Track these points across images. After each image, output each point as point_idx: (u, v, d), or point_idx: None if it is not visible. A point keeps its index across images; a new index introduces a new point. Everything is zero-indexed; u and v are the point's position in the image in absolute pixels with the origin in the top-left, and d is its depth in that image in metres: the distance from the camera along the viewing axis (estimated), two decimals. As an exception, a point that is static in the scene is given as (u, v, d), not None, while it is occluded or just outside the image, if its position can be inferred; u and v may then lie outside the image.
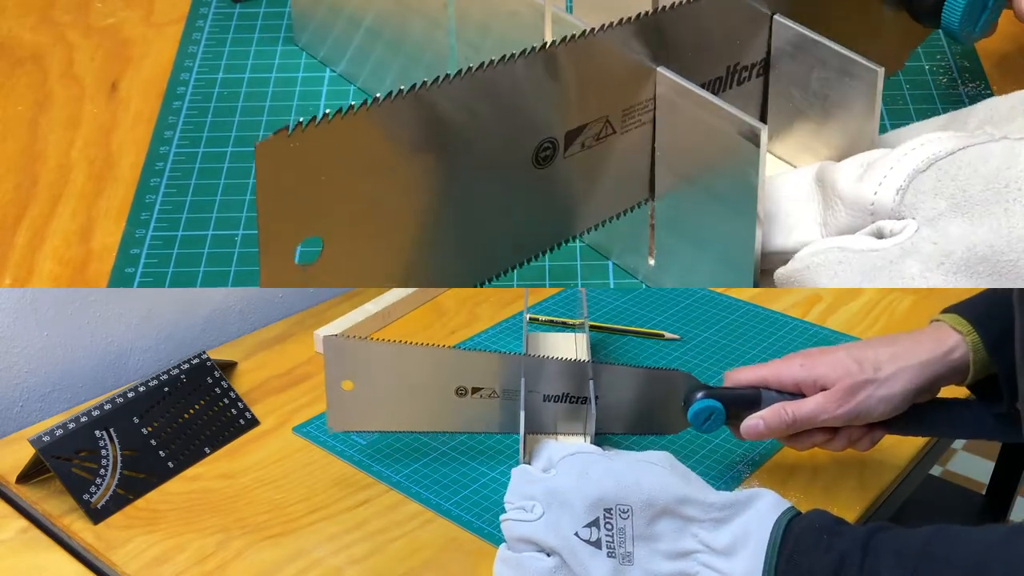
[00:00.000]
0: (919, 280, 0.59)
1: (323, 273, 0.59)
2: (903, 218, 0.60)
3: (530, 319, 0.98)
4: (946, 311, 0.70)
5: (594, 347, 0.93)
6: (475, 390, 0.74)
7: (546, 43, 0.62)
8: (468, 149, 0.62)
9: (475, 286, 0.66)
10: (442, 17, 0.77)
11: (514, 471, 0.65)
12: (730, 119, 0.63)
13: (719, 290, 1.04)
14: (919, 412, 0.69)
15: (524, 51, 0.61)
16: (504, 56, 0.61)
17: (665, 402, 0.73)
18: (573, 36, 0.63)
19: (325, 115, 0.55)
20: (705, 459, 0.77)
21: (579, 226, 0.69)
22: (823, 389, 0.67)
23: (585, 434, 0.75)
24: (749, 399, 0.70)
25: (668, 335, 0.95)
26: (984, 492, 1.39)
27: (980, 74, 0.89)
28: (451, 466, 0.76)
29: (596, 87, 0.65)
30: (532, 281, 0.76)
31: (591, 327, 0.95)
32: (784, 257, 0.66)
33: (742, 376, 0.71)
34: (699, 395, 0.71)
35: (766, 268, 0.68)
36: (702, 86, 0.66)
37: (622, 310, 1.01)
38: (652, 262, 0.74)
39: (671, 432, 0.75)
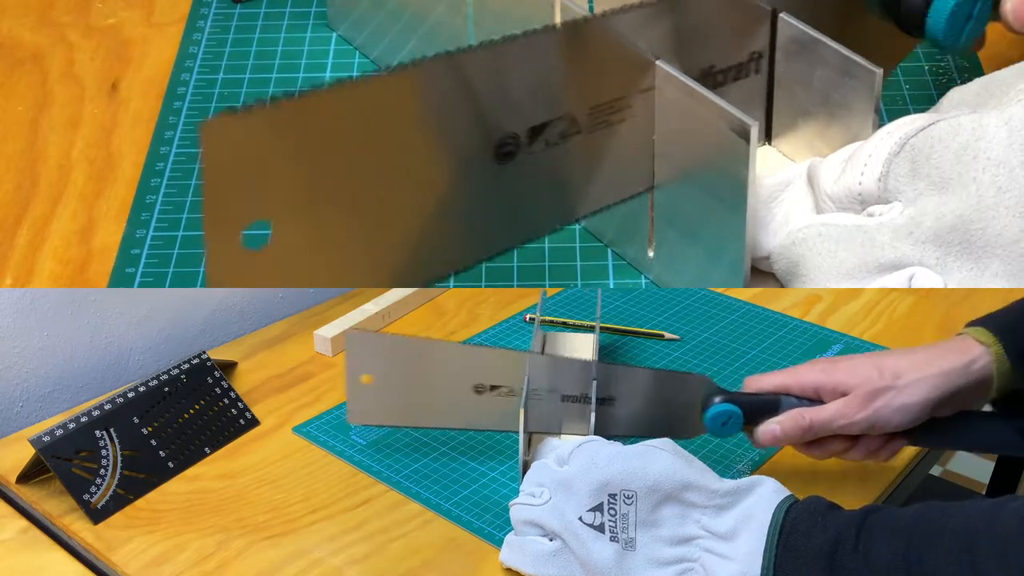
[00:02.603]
0: (888, 250, 0.60)
1: (272, 263, 0.58)
2: (890, 202, 0.62)
3: (531, 319, 0.98)
4: (971, 324, 0.69)
5: (601, 349, 0.93)
6: (493, 387, 0.74)
7: (514, 35, 0.62)
8: (425, 140, 0.61)
9: (427, 285, 0.65)
10: (461, 3, 0.78)
11: (533, 464, 0.66)
12: (722, 114, 0.64)
13: (719, 290, 1.04)
14: (941, 424, 0.68)
15: (493, 41, 0.61)
16: (469, 45, 0.60)
17: (682, 406, 0.72)
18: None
19: (274, 97, 0.55)
20: (706, 459, 0.76)
21: (539, 229, 0.68)
22: (843, 395, 0.67)
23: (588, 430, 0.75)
24: (768, 404, 0.69)
25: (668, 335, 0.95)
26: (984, 492, 1.39)
27: (979, 74, 0.89)
28: (451, 466, 0.76)
29: (574, 79, 0.65)
30: (532, 281, 0.76)
31: (590, 327, 0.94)
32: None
33: (762, 382, 0.70)
34: (717, 399, 0.70)
35: (766, 270, 0.68)
36: (703, 79, 0.66)
37: (622, 310, 1.01)
38: (651, 254, 0.74)
39: (687, 436, 0.74)
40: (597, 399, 0.73)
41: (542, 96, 0.64)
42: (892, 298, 1.02)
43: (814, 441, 0.69)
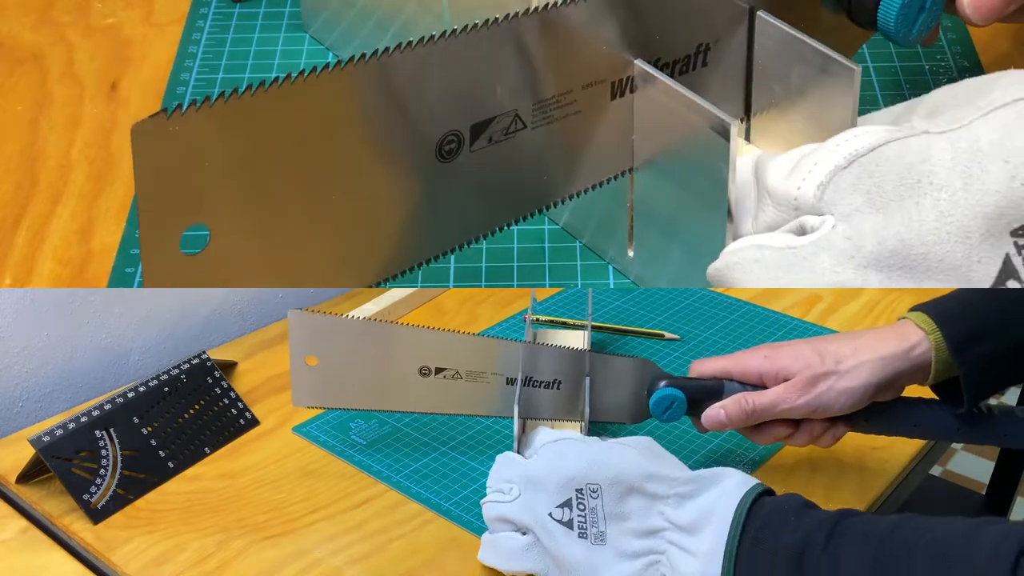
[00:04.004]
0: (830, 275, 0.59)
1: (211, 265, 0.57)
2: (823, 214, 0.60)
3: (531, 319, 0.98)
4: (913, 309, 0.70)
5: (594, 347, 0.93)
6: (439, 370, 0.73)
7: (451, 29, 0.60)
8: (364, 140, 0.60)
9: (371, 285, 0.64)
10: (436, 6, 0.78)
11: (498, 458, 0.66)
12: (701, 112, 0.64)
13: (719, 290, 1.04)
14: (882, 409, 0.69)
15: (427, 37, 0.59)
16: (407, 41, 0.59)
17: (627, 390, 0.73)
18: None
19: (207, 98, 0.54)
20: (706, 458, 0.77)
21: (486, 227, 0.67)
22: (785, 380, 0.68)
23: (551, 420, 0.75)
24: (712, 390, 0.70)
25: (668, 335, 0.95)
26: (984, 492, 1.39)
27: (980, 74, 0.89)
28: (451, 465, 0.76)
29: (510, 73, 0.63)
30: (532, 281, 0.76)
31: (585, 326, 0.95)
32: None
33: (706, 367, 0.71)
34: (661, 384, 0.70)
35: None
36: (678, 75, 0.66)
37: (622, 310, 1.01)
38: (631, 253, 0.74)
39: (632, 421, 0.74)
40: (543, 382, 0.73)
41: (484, 93, 0.63)
42: (892, 298, 1.02)
43: (757, 426, 0.69)
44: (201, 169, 0.55)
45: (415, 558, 0.67)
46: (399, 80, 0.60)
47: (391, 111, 0.60)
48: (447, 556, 0.67)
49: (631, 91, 0.68)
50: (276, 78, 0.55)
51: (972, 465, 1.83)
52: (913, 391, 0.70)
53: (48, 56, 0.90)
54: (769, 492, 0.60)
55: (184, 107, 0.53)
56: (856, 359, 0.67)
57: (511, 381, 0.74)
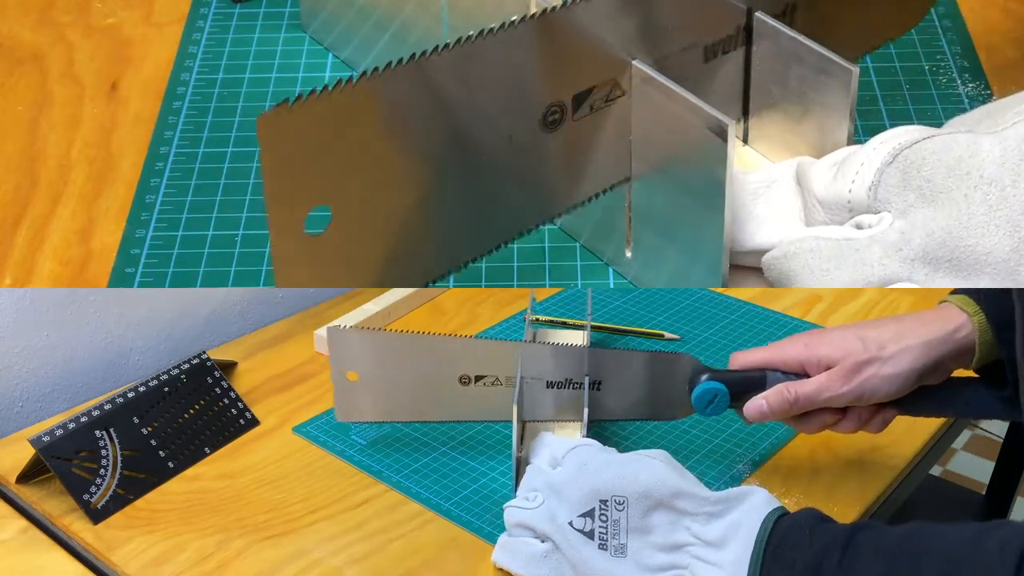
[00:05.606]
0: (878, 267, 0.60)
1: (334, 245, 0.60)
2: (879, 212, 0.61)
3: (531, 319, 0.98)
4: (954, 292, 0.69)
5: (593, 348, 0.93)
6: (479, 378, 0.75)
7: (537, 12, 0.63)
8: (471, 116, 0.63)
9: (478, 258, 0.67)
10: (434, 6, 0.78)
11: (528, 469, 0.66)
12: (699, 113, 0.64)
13: (720, 290, 1.04)
14: (929, 392, 0.68)
15: (513, 21, 0.62)
16: (497, 26, 0.61)
17: (669, 386, 0.73)
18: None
19: (325, 87, 0.56)
20: (706, 458, 0.77)
21: (589, 190, 0.70)
22: (828, 368, 0.67)
23: (582, 421, 0.75)
24: (754, 381, 0.69)
25: (668, 335, 0.95)
26: (984, 492, 1.39)
27: (980, 74, 0.89)
28: (451, 465, 0.76)
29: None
30: (532, 281, 0.76)
31: (584, 326, 0.95)
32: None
33: (747, 358, 0.70)
34: (703, 378, 0.70)
35: (750, 265, 0.68)
36: (680, 76, 0.67)
37: (622, 310, 1.01)
38: (629, 254, 0.74)
39: (675, 417, 0.74)
40: (583, 384, 0.74)
41: (588, 61, 0.65)
42: (892, 298, 1.02)
43: (804, 415, 0.69)
44: (322, 153, 0.58)
45: (415, 558, 0.67)
46: (507, 56, 0.62)
47: (498, 88, 0.63)
48: (447, 556, 0.67)
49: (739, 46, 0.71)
50: (388, 63, 0.58)
51: (972, 465, 1.83)
52: (960, 372, 0.69)
53: (48, 56, 0.90)
54: (787, 514, 0.60)
55: (304, 96, 0.56)
56: (899, 344, 0.66)
57: (551, 384, 0.74)
